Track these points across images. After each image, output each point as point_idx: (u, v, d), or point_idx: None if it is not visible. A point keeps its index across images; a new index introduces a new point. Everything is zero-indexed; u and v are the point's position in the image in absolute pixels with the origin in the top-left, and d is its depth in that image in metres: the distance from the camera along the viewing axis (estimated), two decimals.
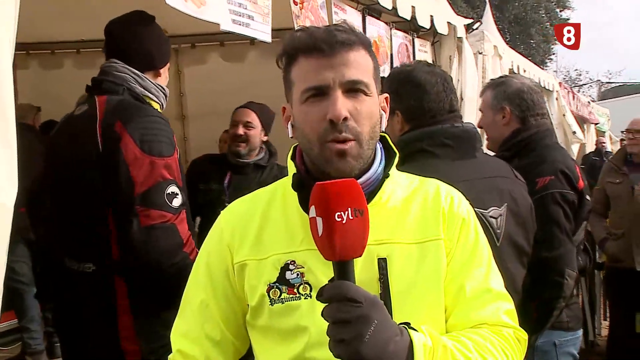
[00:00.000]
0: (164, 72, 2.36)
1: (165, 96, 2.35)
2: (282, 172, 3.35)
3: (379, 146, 1.34)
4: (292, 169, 1.33)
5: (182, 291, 2.15)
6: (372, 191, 1.29)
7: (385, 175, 1.32)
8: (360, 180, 1.24)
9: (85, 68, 4.39)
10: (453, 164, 1.88)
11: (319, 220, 1.07)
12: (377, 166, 1.31)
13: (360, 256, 1.10)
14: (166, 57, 2.37)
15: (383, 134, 1.35)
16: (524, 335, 1.36)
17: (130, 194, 2.04)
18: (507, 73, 5.12)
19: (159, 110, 2.31)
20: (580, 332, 2.68)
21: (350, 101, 1.24)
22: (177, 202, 2.07)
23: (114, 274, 2.15)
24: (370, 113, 1.27)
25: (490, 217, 1.91)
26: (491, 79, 2.97)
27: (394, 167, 1.35)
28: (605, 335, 5.11)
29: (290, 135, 1.33)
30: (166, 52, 2.37)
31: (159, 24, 2.44)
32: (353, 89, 1.25)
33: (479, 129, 2.20)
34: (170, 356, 1.41)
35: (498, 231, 1.93)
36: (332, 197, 1.06)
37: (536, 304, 2.30)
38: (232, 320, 1.36)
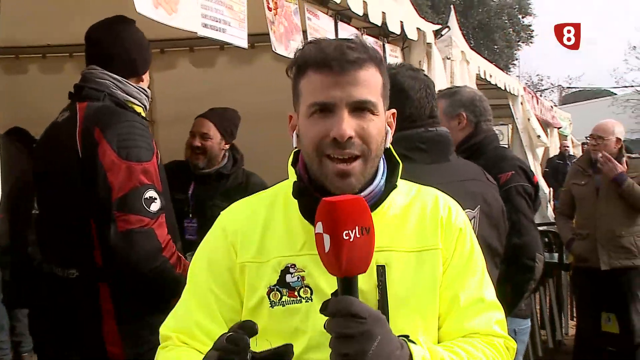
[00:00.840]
0: (146, 75, 2.37)
1: (148, 98, 2.35)
2: (248, 179, 3.38)
3: (381, 158, 1.36)
4: (292, 175, 1.34)
5: (166, 295, 2.14)
6: (375, 202, 1.31)
7: (393, 186, 1.34)
8: (363, 194, 1.26)
9: (51, 73, 4.34)
10: (428, 168, 1.93)
11: (326, 238, 1.08)
12: (380, 178, 1.33)
13: (364, 272, 1.11)
14: (148, 62, 2.37)
15: None
16: (512, 344, 1.40)
17: (108, 199, 2.05)
18: (474, 78, 5.20)
19: (142, 112, 2.31)
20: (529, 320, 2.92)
21: (356, 120, 1.26)
22: (155, 206, 2.08)
23: (98, 280, 2.15)
24: (378, 132, 1.29)
25: None
26: (442, 90, 3.08)
27: (398, 178, 1.36)
28: (573, 335, 5.21)
29: (294, 146, 1.35)
30: (148, 57, 2.38)
31: None
32: (360, 107, 1.26)
33: None
34: (166, 343, 1.38)
35: None
36: (341, 216, 1.08)
37: (510, 287, 2.46)
38: (232, 317, 1.35)
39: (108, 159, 2.06)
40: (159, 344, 2.11)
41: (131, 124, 2.14)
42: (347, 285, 1.11)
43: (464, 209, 1.96)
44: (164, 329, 1.41)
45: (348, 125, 1.24)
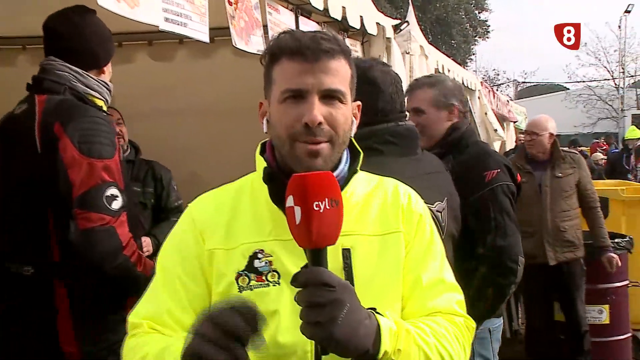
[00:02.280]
0: (108, 68, 2.31)
1: (109, 92, 2.30)
2: (151, 165, 3.56)
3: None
4: (261, 163, 1.39)
5: (126, 293, 2.12)
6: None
7: (354, 171, 1.40)
8: None
9: (4, 65, 4.22)
10: (398, 161, 1.96)
11: (297, 209, 1.13)
12: (344, 165, 1.40)
13: (334, 244, 1.17)
14: (110, 54, 2.31)
15: None
16: (472, 324, 1.46)
17: (68, 196, 2.01)
18: (432, 72, 5.26)
19: (104, 106, 2.26)
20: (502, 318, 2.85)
21: (326, 107, 1.32)
22: (116, 204, 2.04)
23: (54, 277, 2.10)
24: (344, 119, 1.35)
25: (437, 211, 2.00)
26: (420, 78, 3.04)
27: (359, 166, 1.42)
28: None
29: (264, 131, 1.40)
30: (110, 49, 2.32)
31: None
32: (330, 96, 1.32)
33: None
34: (134, 331, 1.39)
35: (443, 224, 2.02)
36: (311, 187, 1.14)
37: (492, 290, 2.42)
38: (201, 304, 1.37)
39: (69, 155, 2.02)
40: (116, 342, 2.10)
41: (93, 119, 2.10)
42: (317, 257, 1.16)
43: (435, 201, 2.01)
44: (133, 317, 1.43)
45: (319, 111, 1.30)
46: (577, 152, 5.05)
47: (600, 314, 4.83)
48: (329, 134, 1.32)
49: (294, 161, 1.33)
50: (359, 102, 1.45)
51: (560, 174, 4.49)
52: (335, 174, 1.34)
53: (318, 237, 1.14)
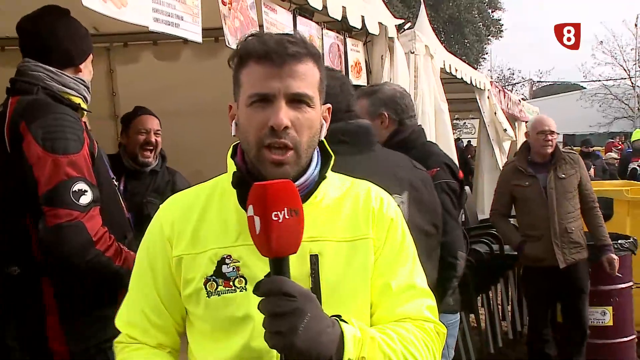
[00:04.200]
0: (86, 66, 2.31)
1: (88, 89, 2.31)
2: (173, 176, 3.50)
3: (315, 150, 1.41)
4: (232, 167, 1.39)
5: (105, 289, 2.15)
6: (308, 192, 1.35)
7: (322, 177, 1.39)
8: (297, 183, 1.30)
9: (11, 66, 4.27)
10: (353, 159, 1.98)
11: (257, 219, 1.14)
12: (314, 169, 1.39)
13: (295, 253, 1.17)
14: (86, 51, 2.32)
15: None
16: (443, 329, 1.45)
17: (35, 194, 2.01)
18: (438, 72, 5.25)
19: (83, 104, 2.27)
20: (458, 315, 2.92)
21: (293, 111, 1.32)
22: (85, 199, 2.04)
23: (40, 275, 2.12)
24: (311, 123, 1.34)
25: None
26: (362, 88, 3.12)
27: (329, 169, 1.42)
28: None
29: (233, 134, 1.40)
30: (85, 47, 2.32)
31: (89, 21, 2.40)
32: (297, 100, 1.32)
33: None
34: (118, 338, 1.46)
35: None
36: (269, 197, 1.14)
37: (433, 285, 2.44)
38: (175, 308, 1.42)
39: (33, 152, 2.02)
40: (105, 339, 2.14)
41: (58, 116, 2.10)
42: (278, 266, 1.17)
43: (392, 195, 2.04)
44: (117, 322, 1.48)
45: (285, 115, 1.30)
46: (575, 152, 4.96)
47: (604, 316, 4.79)
48: (295, 140, 1.31)
49: (260, 166, 1.33)
50: (329, 105, 1.44)
51: (563, 175, 4.43)
52: (304, 179, 1.35)
53: (278, 247, 1.14)
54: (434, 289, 2.39)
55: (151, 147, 3.34)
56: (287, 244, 1.15)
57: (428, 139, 3.05)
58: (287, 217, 1.14)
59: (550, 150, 4.45)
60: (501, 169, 7.46)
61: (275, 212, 1.13)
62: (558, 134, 4.58)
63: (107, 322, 2.13)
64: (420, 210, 2.13)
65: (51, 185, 2.00)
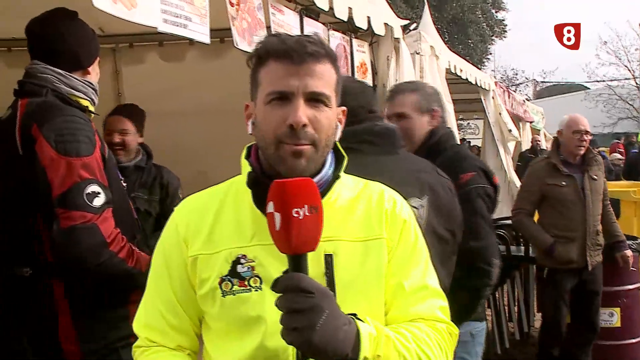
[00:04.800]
0: (94, 68, 2.32)
1: (95, 92, 2.31)
2: (160, 171, 3.51)
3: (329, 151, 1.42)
4: (246, 167, 1.40)
5: (118, 290, 2.16)
6: (322, 192, 1.34)
7: (336, 176, 1.40)
8: None
9: (17, 67, 4.28)
10: (377, 159, 1.98)
11: (277, 216, 1.15)
12: (328, 169, 1.40)
13: (314, 250, 1.18)
14: (94, 54, 2.32)
15: None
16: (455, 330, 1.46)
17: (49, 196, 2.02)
18: (444, 73, 5.24)
19: (90, 106, 2.28)
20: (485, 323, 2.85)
21: (311, 110, 1.33)
22: (98, 201, 2.04)
23: (51, 276, 2.13)
24: (328, 123, 1.35)
25: (413, 206, 2.00)
26: (401, 84, 3.08)
27: (342, 170, 1.43)
28: (538, 327, 5.25)
29: (249, 132, 1.41)
30: (93, 49, 2.32)
31: (95, 22, 2.41)
32: (315, 99, 1.33)
33: None
34: (137, 342, 1.47)
35: (420, 221, 2.02)
36: (291, 194, 1.15)
37: (466, 292, 2.41)
38: (192, 309, 1.43)
39: (46, 155, 2.03)
40: (117, 339, 2.14)
41: (70, 118, 2.10)
42: (297, 263, 1.17)
43: (412, 197, 2.02)
44: (135, 326, 1.49)
45: (303, 113, 1.31)
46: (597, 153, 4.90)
47: (611, 317, 4.77)
48: (313, 137, 1.32)
49: (278, 162, 1.33)
50: (344, 107, 1.45)
51: (595, 176, 4.38)
52: (318, 178, 1.36)
53: (297, 244, 1.15)
54: (465, 298, 2.39)
55: (118, 147, 3.34)
56: (306, 240, 1.16)
57: None
58: (307, 214, 1.14)
59: (583, 150, 4.37)
60: (506, 169, 7.50)
61: (296, 209, 1.14)
62: (592, 135, 4.48)
63: (118, 322, 2.15)
64: (439, 215, 2.11)
65: (65, 188, 2.01)
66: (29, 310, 2.16)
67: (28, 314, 2.16)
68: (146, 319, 1.46)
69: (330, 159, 1.41)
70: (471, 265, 2.39)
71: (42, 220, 2.08)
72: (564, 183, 4.34)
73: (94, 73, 2.32)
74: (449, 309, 1.48)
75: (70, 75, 2.22)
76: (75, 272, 2.08)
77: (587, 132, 4.35)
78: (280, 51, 1.33)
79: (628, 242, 4.76)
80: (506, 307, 5.60)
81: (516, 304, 5.64)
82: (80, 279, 2.10)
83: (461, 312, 2.39)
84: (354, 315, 1.24)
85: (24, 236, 2.15)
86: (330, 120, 1.36)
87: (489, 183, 2.58)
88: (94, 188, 2.04)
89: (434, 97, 2.68)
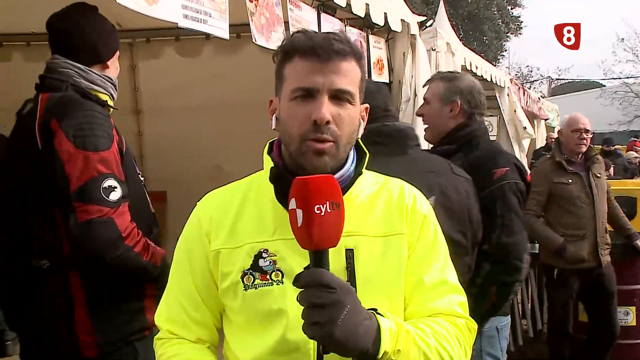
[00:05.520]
0: (113, 62, 2.34)
1: (114, 86, 2.33)
2: None
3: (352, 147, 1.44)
4: (268, 162, 1.42)
5: (134, 283, 2.18)
6: (343, 188, 1.36)
7: (358, 172, 1.42)
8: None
9: (36, 61, 4.32)
10: (384, 160, 1.98)
11: (299, 212, 1.17)
12: (350, 165, 1.41)
13: (335, 246, 1.20)
14: (113, 48, 2.34)
15: None
16: (473, 325, 1.47)
17: (67, 190, 2.04)
18: (459, 70, 5.23)
19: (109, 101, 2.30)
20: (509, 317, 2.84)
21: (335, 107, 1.34)
22: (115, 195, 2.07)
23: (69, 269, 2.15)
24: (351, 120, 1.37)
25: None
26: (442, 72, 3.07)
27: (364, 167, 1.44)
28: None
29: (273, 127, 1.43)
30: (113, 44, 2.35)
31: (112, 17, 2.42)
32: (339, 96, 1.35)
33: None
34: (158, 335, 1.49)
35: None
36: (313, 191, 1.17)
37: (496, 288, 2.40)
38: (213, 303, 1.45)
39: (64, 149, 2.05)
40: (132, 332, 2.17)
41: (88, 113, 2.12)
42: (319, 259, 1.19)
43: None
44: (157, 319, 1.51)
45: (328, 110, 1.32)
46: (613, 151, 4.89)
47: (627, 316, 4.75)
48: (335, 135, 1.34)
49: (301, 158, 1.35)
50: (366, 105, 1.47)
51: (599, 174, 4.38)
52: (340, 174, 1.37)
53: (319, 240, 1.17)
54: (493, 293, 2.38)
55: None
56: (328, 236, 1.18)
57: None
58: (329, 210, 1.16)
59: (584, 149, 4.37)
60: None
61: (318, 205, 1.16)
62: (593, 133, 4.48)
63: (134, 315, 2.17)
64: (449, 217, 2.10)
65: (82, 182, 2.03)
66: (46, 301, 2.19)
67: (46, 305, 2.19)
68: (168, 312, 1.48)
69: (352, 155, 1.43)
70: (502, 260, 2.39)
71: (60, 213, 2.11)
72: (570, 181, 4.34)
73: (113, 67, 2.34)
74: (478, 305, 1.49)
75: (89, 70, 2.24)
76: (91, 265, 2.11)
77: (586, 131, 4.35)
78: (307, 48, 1.34)
79: None
80: (519, 305, 5.59)
81: (529, 301, 5.63)
82: (96, 272, 2.13)
83: (490, 307, 2.40)
84: (375, 310, 1.26)
85: (44, 229, 2.17)
86: (353, 117, 1.38)
87: (521, 179, 2.56)
88: (110, 182, 2.06)
89: (463, 90, 2.64)
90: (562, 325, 4.49)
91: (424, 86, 2.83)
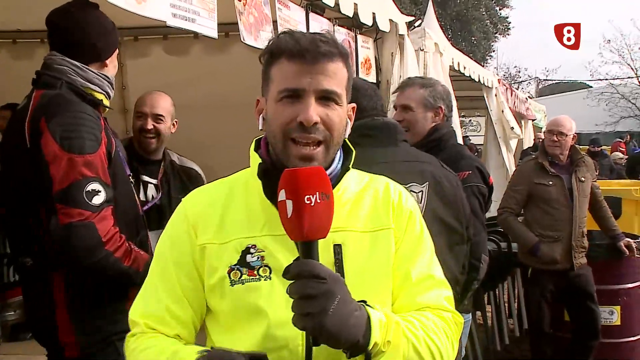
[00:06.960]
0: (112, 61, 2.32)
1: (111, 85, 2.31)
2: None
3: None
4: (256, 159, 1.42)
5: (114, 287, 2.16)
6: (331, 185, 1.36)
7: (346, 168, 1.44)
8: None
9: (22, 59, 4.29)
10: (374, 150, 2.04)
11: (289, 203, 1.17)
12: (337, 163, 1.43)
13: (325, 237, 1.20)
14: (112, 47, 2.32)
15: None
16: (460, 319, 1.49)
17: (50, 191, 2.03)
18: (447, 70, 5.24)
19: (105, 100, 2.28)
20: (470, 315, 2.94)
21: (322, 108, 1.35)
22: (98, 199, 2.04)
23: (51, 269, 2.14)
24: (339, 120, 1.38)
25: (411, 190, 2.08)
26: (413, 77, 3.12)
27: (351, 163, 1.46)
28: None
29: (260, 128, 1.43)
30: (112, 42, 2.32)
31: None
32: (326, 97, 1.35)
33: None
34: (132, 331, 1.44)
35: (419, 204, 2.07)
36: (302, 181, 1.17)
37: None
38: (195, 299, 1.43)
39: (50, 150, 2.03)
40: (114, 332, 2.15)
41: (77, 114, 2.10)
42: (308, 250, 1.20)
43: (409, 183, 2.08)
44: (132, 314, 1.47)
45: (315, 111, 1.33)
46: (586, 155, 4.92)
47: (611, 315, 4.79)
48: (324, 135, 1.35)
49: (287, 162, 1.35)
50: (353, 104, 1.48)
51: (583, 178, 4.39)
52: (328, 172, 1.37)
53: (309, 230, 1.17)
54: (455, 286, 2.42)
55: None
56: (318, 227, 1.19)
57: None
58: (319, 201, 1.17)
59: (557, 151, 4.40)
60: (508, 167, 7.50)
61: (308, 196, 1.17)
62: (575, 135, 4.46)
63: (116, 316, 2.15)
64: (444, 204, 2.17)
65: (65, 184, 2.01)
66: (29, 299, 2.18)
67: (29, 303, 2.18)
68: (145, 306, 1.44)
69: (339, 153, 1.44)
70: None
71: (45, 213, 2.09)
72: (550, 182, 4.37)
73: (112, 66, 2.32)
74: None
75: (86, 68, 2.22)
76: (70, 268, 2.09)
77: (560, 133, 4.36)
78: (294, 49, 1.35)
79: (630, 240, 4.78)
80: (506, 304, 5.61)
81: (516, 300, 5.66)
82: (78, 274, 2.11)
83: None
84: (364, 302, 1.27)
85: (28, 227, 2.16)
86: (341, 118, 1.39)
87: (483, 182, 2.68)
88: (94, 186, 2.04)
89: (443, 96, 2.76)
90: (539, 324, 4.53)
91: (394, 92, 2.89)
